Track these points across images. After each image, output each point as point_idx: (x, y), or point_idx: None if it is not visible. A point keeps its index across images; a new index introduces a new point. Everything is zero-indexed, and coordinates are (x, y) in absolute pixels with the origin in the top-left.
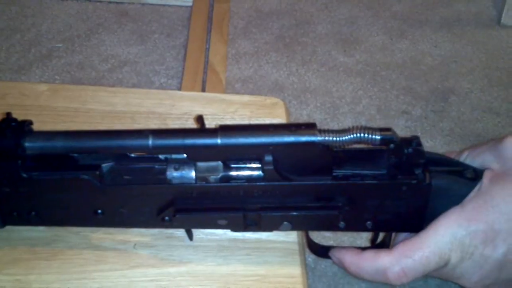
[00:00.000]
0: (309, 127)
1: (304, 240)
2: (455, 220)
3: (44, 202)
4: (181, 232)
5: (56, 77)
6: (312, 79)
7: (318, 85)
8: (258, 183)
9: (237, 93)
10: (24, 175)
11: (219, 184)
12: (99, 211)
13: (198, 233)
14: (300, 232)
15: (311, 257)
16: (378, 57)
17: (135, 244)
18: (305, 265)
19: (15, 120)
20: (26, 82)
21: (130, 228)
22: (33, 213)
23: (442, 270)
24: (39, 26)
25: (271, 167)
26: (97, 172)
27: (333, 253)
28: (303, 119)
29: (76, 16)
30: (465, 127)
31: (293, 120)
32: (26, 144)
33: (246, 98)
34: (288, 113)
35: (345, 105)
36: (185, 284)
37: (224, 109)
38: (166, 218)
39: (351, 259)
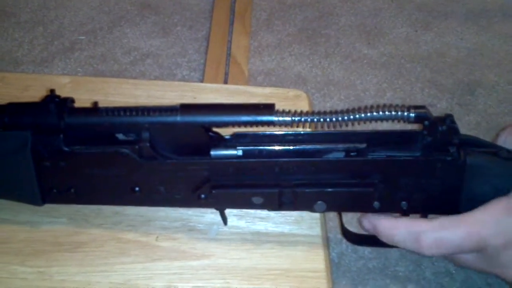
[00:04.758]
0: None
1: (329, 235)
2: (502, 207)
3: (84, 178)
4: (203, 225)
5: (79, 69)
6: (336, 72)
7: (341, 77)
8: (293, 159)
9: (260, 85)
10: (66, 148)
11: (255, 159)
12: (137, 188)
13: (221, 226)
14: (324, 226)
15: (335, 252)
16: (403, 49)
17: (157, 237)
18: (329, 260)
19: (58, 96)
20: (49, 74)
21: (166, 207)
22: (72, 190)
23: (482, 257)
24: (61, 18)
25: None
26: (137, 147)
27: (366, 218)
28: None
29: (98, 9)
30: (492, 120)
31: None
32: (69, 119)
33: (268, 90)
34: (311, 105)
35: (369, 98)
36: (208, 278)
37: (247, 101)
38: (202, 196)
39: (385, 223)
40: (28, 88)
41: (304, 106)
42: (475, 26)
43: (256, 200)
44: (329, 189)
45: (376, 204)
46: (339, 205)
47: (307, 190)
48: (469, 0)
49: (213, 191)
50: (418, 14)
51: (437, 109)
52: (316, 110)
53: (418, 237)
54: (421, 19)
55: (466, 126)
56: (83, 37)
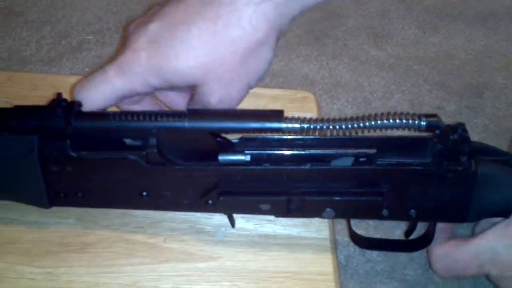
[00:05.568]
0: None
1: (336, 237)
2: (498, 235)
3: (91, 183)
4: (211, 227)
5: (86, 69)
6: (343, 73)
7: (349, 79)
8: (302, 167)
9: (267, 86)
10: (73, 154)
11: (263, 167)
12: (144, 193)
13: (228, 228)
14: (332, 229)
15: (343, 255)
16: (411, 51)
17: (165, 238)
18: (337, 263)
19: (65, 100)
20: (57, 74)
21: (173, 211)
22: (79, 194)
23: (492, 279)
24: (69, 18)
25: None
26: (144, 153)
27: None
28: (334, 114)
29: (106, 9)
30: (500, 123)
31: (323, 115)
32: (76, 124)
33: (276, 91)
34: (319, 107)
35: (377, 100)
36: (215, 280)
37: (254, 102)
38: (210, 201)
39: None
40: (36, 87)
41: (311, 107)
42: (483, 29)
43: (264, 207)
44: (338, 198)
45: (385, 212)
46: (348, 212)
47: (315, 198)
48: (477, 2)
49: (221, 198)
50: (426, 16)
51: (446, 112)
52: (324, 111)
53: (430, 251)
54: (429, 21)
55: (474, 129)
56: (90, 37)
